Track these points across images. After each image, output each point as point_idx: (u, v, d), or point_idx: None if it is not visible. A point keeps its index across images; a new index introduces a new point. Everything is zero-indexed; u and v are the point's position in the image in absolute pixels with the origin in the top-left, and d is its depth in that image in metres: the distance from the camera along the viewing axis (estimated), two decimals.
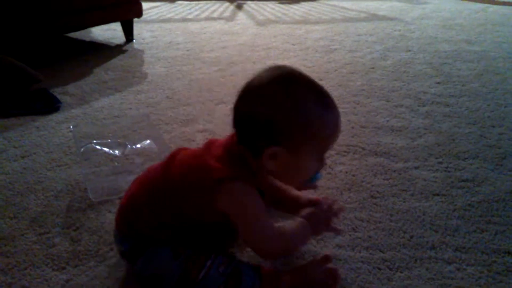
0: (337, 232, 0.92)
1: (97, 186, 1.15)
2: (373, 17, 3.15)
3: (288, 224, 0.84)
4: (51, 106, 1.68)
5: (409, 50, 2.36)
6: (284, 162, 0.74)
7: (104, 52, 2.47)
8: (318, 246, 0.95)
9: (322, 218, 0.87)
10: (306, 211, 0.87)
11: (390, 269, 0.88)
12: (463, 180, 1.18)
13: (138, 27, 2.73)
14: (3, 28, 1.96)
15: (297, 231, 0.83)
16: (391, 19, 3.07)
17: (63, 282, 0.87)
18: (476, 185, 1.16)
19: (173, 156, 0.85)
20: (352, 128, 1.48)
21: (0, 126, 1.55)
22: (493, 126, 1.49)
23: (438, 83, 1.89)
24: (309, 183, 0.88)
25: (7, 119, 1.60)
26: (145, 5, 2.70)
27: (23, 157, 1.34)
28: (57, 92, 1.80)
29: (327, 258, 0.85)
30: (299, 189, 0.95)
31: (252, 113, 0.74)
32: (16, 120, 1.59)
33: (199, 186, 0.77)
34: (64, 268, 0.90)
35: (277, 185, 0.94)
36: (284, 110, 0.71)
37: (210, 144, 0.83)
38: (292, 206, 0.93)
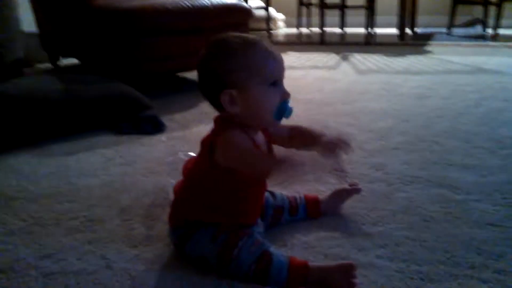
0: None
1: None
2: (477, 70, 3.09)
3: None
4: (157, 128, 1.95)
5: (507, 100, 2.29)
6: (242, 100, 0.91)
7: None
8: (360, 254, 1.02)
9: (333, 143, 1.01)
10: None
11: (422, 280, 0.92)
12: None
13: None
14: (130, 69, 2.36)
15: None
16: (496, 72, 2.99)
17: (133, 256, 1.04)
18: None
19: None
20: (423, 163, 1.51)
21: (114, 141, 1.85)
22: None
23: None
24: (281, 116, 0.96)
25: (120, 136, 1.91)
26: None
27: (125, 165, 1.58)
28: (164, 119, 2.07)
29: (351, 267, 0.89)
30: (275, 126, 1.02)
31: (202, 74, 0.96)
32: (127, 137, 1.88)
33: (206, 157, 0.95)
34: (136, 246, 1.08)
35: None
36: (220, 60, 0.91)
37: None
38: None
